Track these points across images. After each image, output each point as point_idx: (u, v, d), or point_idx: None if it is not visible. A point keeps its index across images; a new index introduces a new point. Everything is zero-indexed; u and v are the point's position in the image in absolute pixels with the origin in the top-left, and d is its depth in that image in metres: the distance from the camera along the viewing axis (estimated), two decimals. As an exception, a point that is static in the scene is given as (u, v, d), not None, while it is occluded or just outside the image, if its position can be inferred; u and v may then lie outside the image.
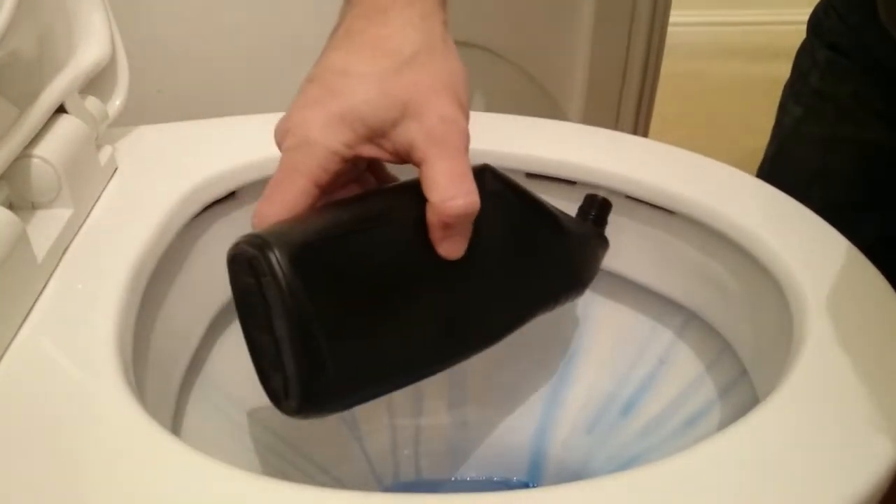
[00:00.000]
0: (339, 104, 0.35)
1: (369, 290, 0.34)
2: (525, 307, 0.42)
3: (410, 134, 0.35)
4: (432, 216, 0.34)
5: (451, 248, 0.35)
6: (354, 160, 0.36)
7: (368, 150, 0.36)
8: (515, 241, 0.40)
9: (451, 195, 0.34)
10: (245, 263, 0.33)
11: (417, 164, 0.35)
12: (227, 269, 0.35)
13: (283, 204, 0.35)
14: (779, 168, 0.60)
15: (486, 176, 0.38)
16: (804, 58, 0.58)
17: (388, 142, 0.35)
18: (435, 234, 0.35)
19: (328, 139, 0.35)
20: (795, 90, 0.59)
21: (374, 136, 0.35)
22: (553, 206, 0.43)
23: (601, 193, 0.47)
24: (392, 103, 0.34)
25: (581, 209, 0.47)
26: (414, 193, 0.35)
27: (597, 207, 0.46)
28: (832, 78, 0.55)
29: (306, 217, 0.35)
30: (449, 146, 0.34)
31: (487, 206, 0.35)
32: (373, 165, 0.41)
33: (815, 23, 0.57)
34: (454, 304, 0.37)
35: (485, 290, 0.38)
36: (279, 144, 0.36)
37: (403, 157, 0.36)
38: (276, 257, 0.32)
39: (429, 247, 0.35)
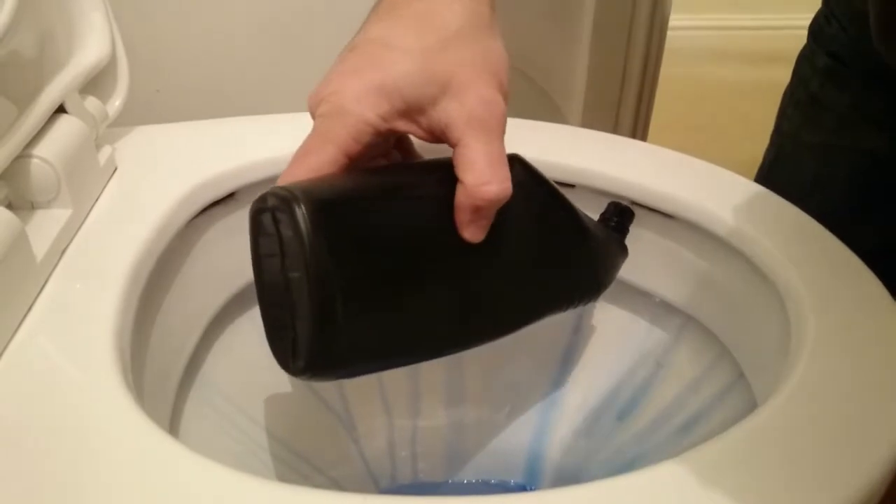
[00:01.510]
0: (378, 76, 0.34)
1: (389, 259, 0.34)
2: (541, 303, 0.41)
3: (449, 113, 0.34)
4: (463, 198, 0.34)
5: (475, 231, 0.35)
6: (387, 134, 0.35)
7: (403, 125, 0.35)
8: (539, 235, 0.39)
9: (486, 179, 0.33)
10: (268, 213, 0.33)
11: (453, 145, 0.34)
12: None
13: (311, 169, 0.34)
14: (777, 174, 0.60)
15: (515, 165, 0.38)
16: (804, 64, 0.58)
17: (425, 118, 0.35)
18: (462, 216, 0.34)
19: (364, 110, 0.34)
20: (795, 96, 0.59)
21: (411, 111, 0.35)
22: (576, 207, 0.42)
23: (624, 202, 0.47)
24: (433, 79, 0.34)
25: (603, 216, 0.47)
26: (444, 172, 0.34)
27: (619, 215, 0.46)
28: (832, 86, 0.55)
29: (334, 178, 0.34)
30: (488, 129, 0.34)
31: (515, 195, 0.35)
32: (401, 142, 0.40)
33: (816, 30, 0.57)
34: (471, 289, 0.37)
35: (502, 279, 0.38)
36: (312, 111, 0.36)
37: (437, 136, 0.35)
38: (300, 210, 0.31)
39: (452, 228, 0.35)
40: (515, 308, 0.40)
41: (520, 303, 0.40)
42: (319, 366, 0.34)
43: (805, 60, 0.58)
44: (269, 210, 0.33)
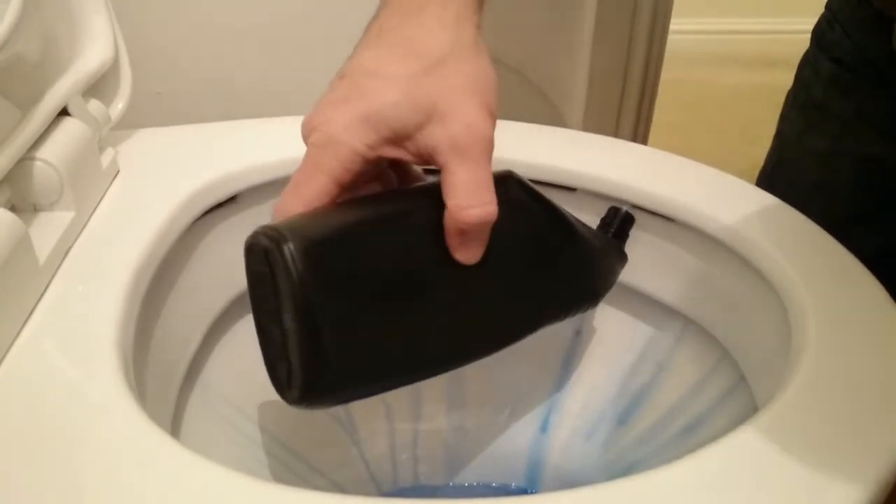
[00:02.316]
0: (364, 105, 0.35)
1: (381, 288, 0.35)
2: (537, 316, 0.42)
3: (434, 138, 0.35)
4: (449, 222, 0.35)
5: (467, 253, 0.36)
6: (376, 161, 0.36)
7: (392, 152, 0.36)
8: (533, 251, 0.40)
9: (468, 203, 0.34)
10: (261, 254, 0.34)
11: (440, 168, 0.35)
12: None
13: (304, 200, 0.35)
14: (779, 178, 0.60)
15: (509, 183, 0.39)
16: (807, 69, 0.58)
17: (412, 144, 0.35)
18: (451, 240, 0.35)
19: (352, 139, 0.35)
20: (798, 100, 0.59)
21: (398, 138, 0.35)
22: (574, 217, 0.43)
23: (624, 207, 0.47)
24: (418, 107, 0.35)
25: (603, 221, 0.47)
26: (435, 196, 0.35)
27: (619, 221, 0.47)
28: (835, 91, 0.55)
29: (326, 212, 0.35)
30: (471, 154, 0.34)
31: (508, 213, 0.36)
32: (397, 162, 0.40)
33: (818, 35, 0.57)
34: (466, 308, 0.37)
35: (498, 297, 0.39)
36: (305, 139, 0.36)
37: (426, 160, 0.36)
38: (289, 250, 0.32)
39: (445, 250, 0.35)
40: (512, 324, 0.40)
41: (517, 318, 0.41)
42: (314, 397, 0.34)
43: (808, 65, 0.58)
44: (262, 250, 0.34)
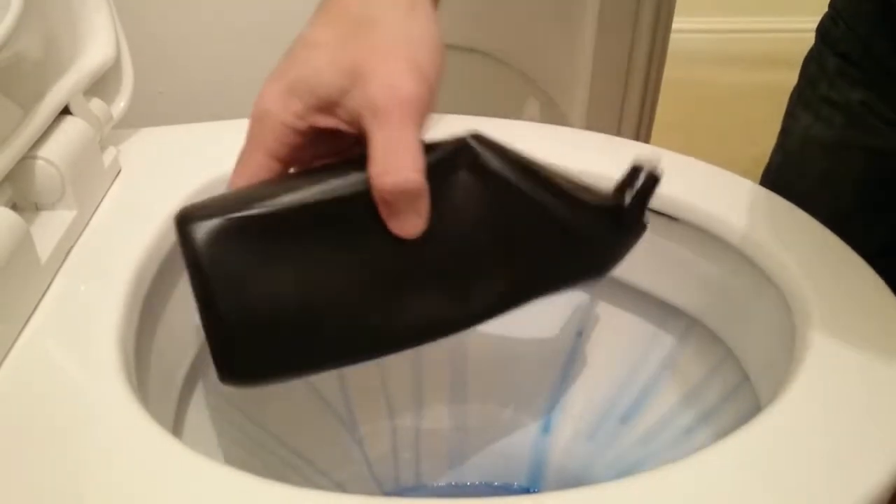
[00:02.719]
0: (292, 74, 0.34)
1: (295, 266, 0.33)
2: (511, 295, 0.38)
3: (356, 102, 0.33)
4: (373, 191, 0.33)
5: (400, 225, 0.33)
6: (310, 132, 0.35)
7: (324, 121, 0.34)
8: (504, 224, 0.36)
9: (383, 170, 0.32)
10: (177, 231, 0.33)
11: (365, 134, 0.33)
12: None
13: (244, 177, 0.35)
14: (786, 174, 0.60)
15: (468, 147, 0.36)
16: (813, 65, 0.58)
17: (343, 111, 0.34)
18: (381, 210, 0.33)
19: (279, 111, 0.34)
20: (804, 97, 0.59)
21: (326, 105, 0.34)
22: (568, 181, 0.38)
23: (648, 165, 0.39)
24: (341, 71, 0.33)
25: (620, 183, 0.40)
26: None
27: (640, 183, 0.39)
28: (841, 84, 0.55)
29: (249, 189, 0.35)
30: (391, 116, 0.32)
31: (465, 181, 0.34)
32: (344, 135, 0.38)
33: (823, 32, 0.58)
34: (407, 286, 0.35)
35: (452, 273, 0.36)
36: None
37: (358, 128, 0.34)
38: (190, 229, 0.32)
39: (381, 224, 0.33)
40: (476, 302, 0.37)
41: (482, 296, 0.37)
42: (233, 379, 0.34)
43: (813, 62, 0.58)
44: (175, 228, 0.33)
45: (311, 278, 0.33)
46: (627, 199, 0.39)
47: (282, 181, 0.35)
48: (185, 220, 0.33)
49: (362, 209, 0.33)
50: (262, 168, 0.35)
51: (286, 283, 0.33)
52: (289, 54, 0.36)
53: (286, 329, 0.33)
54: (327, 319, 0.34)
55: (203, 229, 0.32)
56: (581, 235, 0.39)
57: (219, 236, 0.32)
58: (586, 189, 0.39)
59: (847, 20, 0.55)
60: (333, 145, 0.37)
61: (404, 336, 0.36)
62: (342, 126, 0.34)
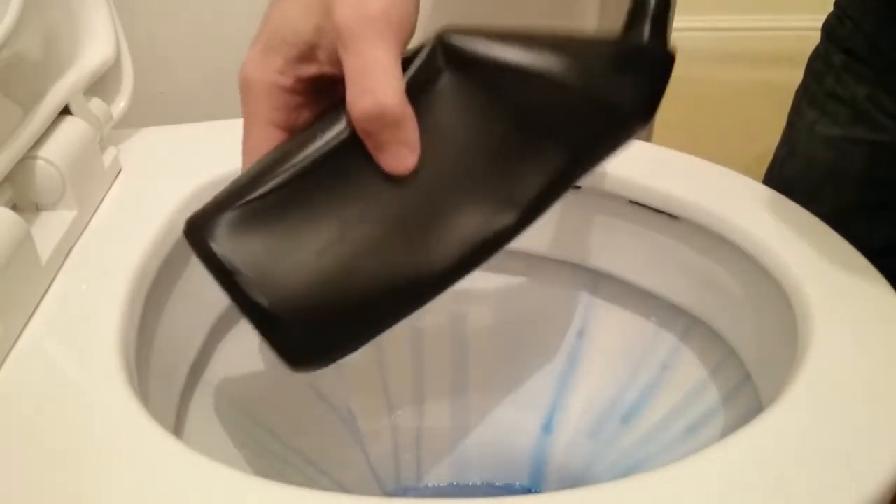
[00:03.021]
0: (265, 34, 0.33)
1: (316, 233, 0.32)
2: (555, 184, 0.34)
3: (328, 36, 0.31)
4: (354, 125, 0.30)
5: (389, 161, 0.31)
6: (299, 87, 0.33)
7: (308, 70, 0.32)
8: (514, 114, 0.33)
9: (352, 99, 0.29)
10: (191, 246, 0.33)
11: None
12: None
13: (250, 156, 0.33)
14: (791, 169, 0.60)
15: (444, 44, 0.32)
16: (819, 63, 0.59)
17: (323, 53, 0.31)
18: (368, 147, 0.31)
19: (261, 73, 0.32)
20: (810, 93, 0.59)
21: (306, 52, 0.32)
22: (572, 39, 0.35)
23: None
24: (312, 11, 0.31)
25: (630, 19, 0.35)
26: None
27: (652, 10, 0.34)
28: (848, 79, 0.56)
29: (246, 172, 0.33)
30: (357, 37, 0.29)
31: (454, 83, 0.31)
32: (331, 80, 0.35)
33: (829, 30, 0.58)
34: (424, 222, 0.32)
35: (481, 186, 0.33)
36: None
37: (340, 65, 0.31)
38: (202, 237, 0.32)
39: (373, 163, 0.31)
40: (508, 212, 0.33)
41: (511, 205, 0.33)
42: (299, 364, 0.33)
43: (819, 59, 0.59)
44: (190, 241, 0.33)
45: (336, 240, 0.32)
46: (646, 33, 0.34)
47: (273, 152, 0.33)
48: (193, 229, 0.32)
49: (359, 153, 0.31)
50: (265, 141, 0.33)
51: (314, 254, 0.32)
52: (263, 18, 0.34)
53: (333, 298, 0.32)
54: (369, 274, 0.32)
55: (214, 234, 0.31)
56: (606, 94, 0.34)
57: (230, 235, 0.31)
58: (591, 41, 0.35)
59: (853, 18, 0.55)
60: (336, 97, 0.33)
61: (456, 266, 0.33)
62: (326, 69, 0.32)
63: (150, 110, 0.59)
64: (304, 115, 0.34)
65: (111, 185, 0.48)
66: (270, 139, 0.33)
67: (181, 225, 0.45)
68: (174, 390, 0.43)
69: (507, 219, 0.33)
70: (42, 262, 0.39)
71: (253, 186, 0.32)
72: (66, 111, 0.46)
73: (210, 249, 0.32)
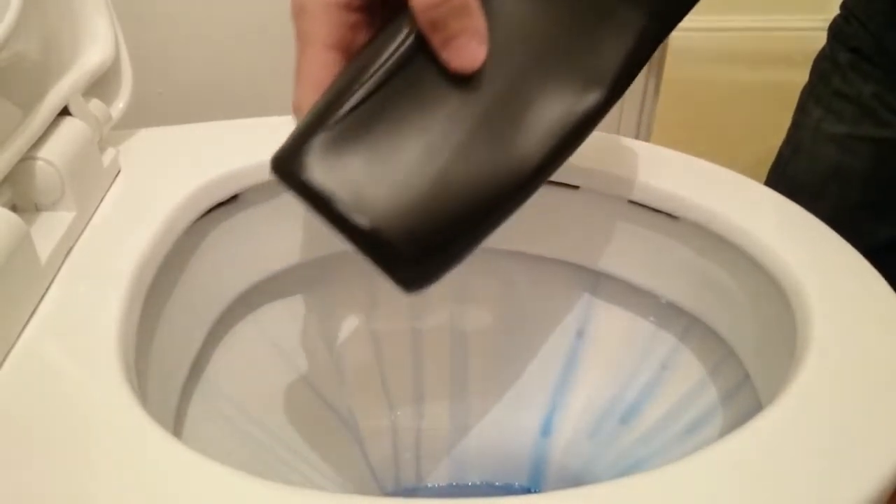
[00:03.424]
0: None
1: (397, 147, 0.31)
2: (640, 48, 0.34)
3: None
4: (417, 23, 0.30)
5: (458, 54, 0.30)
6: (360, 3, 0.32)
7: None
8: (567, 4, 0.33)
9: None
10: (281, 183, 0.32)
11: None
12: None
13: (308, 83, 0.32)
14: (796, 167, 0.61)
15: None
16: (825, 62, 0.59)
17: None
18: (432, 45, 0.30)
19: None
20: (815, 92, 0.59)
21: None
22: None
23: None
24: None
25: None
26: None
27: None
28: (854, 77, 0.56)
29: (318, 103, 0.32)
30: None
31: None
32: None
33: (835, 30, 0.59)
34: (509, 116, 0.32)
35: (549, 76, 0.32)
36: None
37: None
38: (292, 171, 0.31)
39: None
40: (588, 86, 0.33)
41: (594, 74, 0.33)
42: (416, 283, 0.32)
43: (825, 59, 0.59)
44: (280, 178, 0.32)
45: (423, 151, 0.31)
46: None
47: (342, 75, 0.33)
48: (281, 164, 0.31)
49: (429, 58, 0.31)
50: (321, 64, 0.32)
51: (405, 167, 0.31)
52: None
53: (435, 210, 0.31)
54: (465, 179, 0.32)
55: (303, 163, 0.31)
56: None
57: (319, 161, 0.31)
58: None
59: (859, 18, 0.55)
60: (389, 17, 0.33)
61: (551, 154, 0.33)
62: None
63: (150, 111, 0.59)
64: (361, 36, 0.33)
65: (110, 186, 0.48)
66: (326, 62, 0.32)
67: (181, 225, 0.45)
68: (174, 390, 0.43)
69: (595, 95, 0.33)
70: (42, 262, 0.39)
71: (330, 111, 0.31)
72: (65, 112, 0.46)
73: (302, 179, 0.31)
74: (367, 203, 0.31)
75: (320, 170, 0.31)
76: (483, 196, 0.32)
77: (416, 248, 0.31)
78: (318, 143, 0.31)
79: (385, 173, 0.31)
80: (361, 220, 0.31)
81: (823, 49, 0.60)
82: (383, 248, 0.31)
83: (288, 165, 0.31)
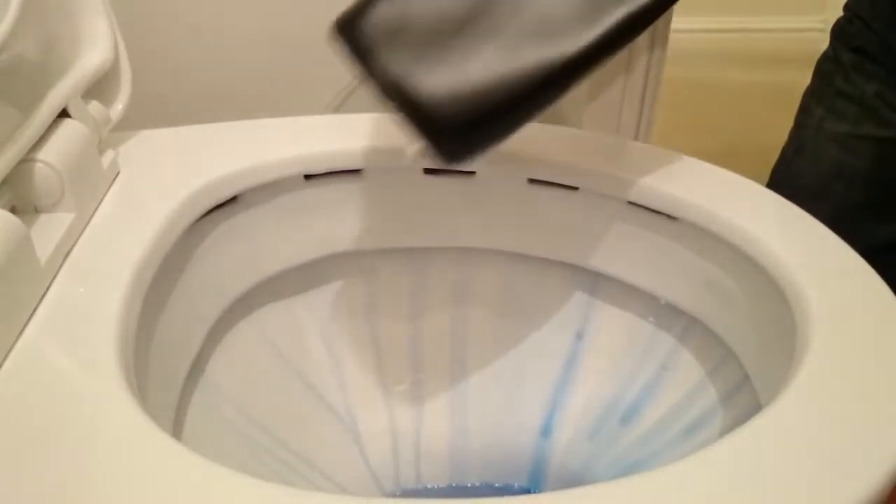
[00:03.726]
0: None
1: (447, 33, 0.35)
2: None
3: None
4: None
5: None
6: None
7: None
8: None
9: None
10: (343, 45, 0.36)
11: None
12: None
13: None
14: (798, 165, 0.61)
15: None
16: (827, 63, 0.59)
17: None
18: None
19: None
20: (818, 93, 0.60)
21: None
22: None
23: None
24: None
25: None
26: None
27: None
28: (857, 77, 0.56)
29: None
30: None
31: None
32: None
33: (838, 31, 0.59)
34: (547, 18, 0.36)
35: None
36: None
37: None
38: (360, 47, 0.35)
39: None
40: None
41: None
42: (454, 156, 0.36)
43: (828, 60, 0.59)
44: (342, 47, 0.35)
45: (474, 38, 0.35)
46: None
47: None
48: (345, 26, 0.35)
49: None
50: None
51: (456, 52, 0.35)
52: None
53: (483, 90, 0.35)
54: (504, 68, 0.36)
55: (366, 30, 0.34)
56: None
57: (381, 28, 0.34)
58: None
59: (863, 18, 0.56)
60: None
61: (597, 41, 0.37)
62: None
63: (149, 113, 0.59)
64: None
65: (109, 187, 0.48)
66: None
67: (180, 226, 0.45)
68: (173, 391, 0.43)
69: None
70: (41, 263, 0.39)
71: None
72: (64, 114, 0.46)
73: (365, 45, 0.35)
74: (422, 76, 0.34)
75: (382, 36, 0.35)
76: (528, 81, 0.36)
77: (462, 124, 0.35)
78: (380, 10, 0.35)
79: (439, 53, 0.35)
80: (417, 93, 0.34)
81: (826, 51, 0.60)
82: (431, 121, 0.35)
83: (353, 28, 0.35)
